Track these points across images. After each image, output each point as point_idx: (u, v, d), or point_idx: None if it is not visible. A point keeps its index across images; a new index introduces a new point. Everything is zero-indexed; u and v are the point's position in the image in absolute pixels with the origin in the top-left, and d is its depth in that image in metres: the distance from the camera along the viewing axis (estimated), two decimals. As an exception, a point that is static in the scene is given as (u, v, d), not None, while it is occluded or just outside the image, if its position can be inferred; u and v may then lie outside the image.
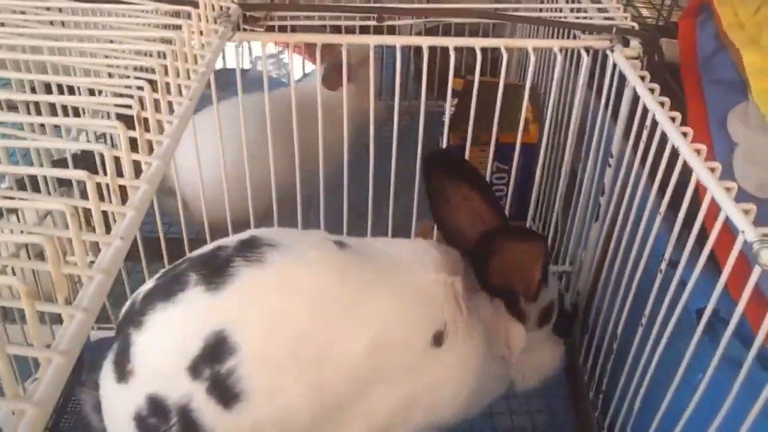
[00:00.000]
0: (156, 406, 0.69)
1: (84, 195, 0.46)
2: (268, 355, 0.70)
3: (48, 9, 0.70)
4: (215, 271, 0.71)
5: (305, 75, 1.74)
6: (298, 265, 0.74)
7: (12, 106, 0.83)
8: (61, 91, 0.69)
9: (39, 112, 0.82)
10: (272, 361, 0.70)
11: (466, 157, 1.02)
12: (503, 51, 0.90)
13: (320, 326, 0.72)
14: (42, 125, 0.83)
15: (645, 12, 1.73)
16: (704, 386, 0.68)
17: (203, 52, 0.71)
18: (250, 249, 0.73)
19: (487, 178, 1.03)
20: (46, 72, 0.77)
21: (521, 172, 1.12)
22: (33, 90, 0.85)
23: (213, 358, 0.68)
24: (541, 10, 1.16)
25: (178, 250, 0.94)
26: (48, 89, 0.79)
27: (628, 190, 0.88)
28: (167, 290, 0.71)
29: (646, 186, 0.84)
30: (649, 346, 0.80)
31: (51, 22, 0.72)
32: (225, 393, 0.68)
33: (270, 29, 0.91)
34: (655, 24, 1.54)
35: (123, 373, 0.70)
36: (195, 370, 0.68)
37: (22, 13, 0.66)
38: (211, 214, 1.06)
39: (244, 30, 0.88)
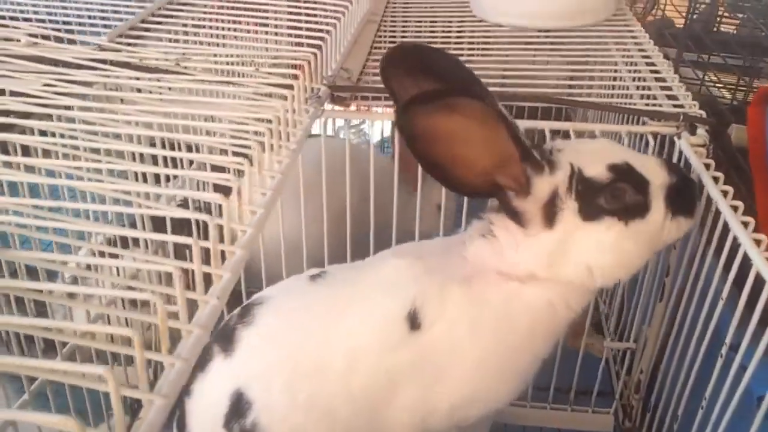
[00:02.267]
0: None
1: (177, 256, 0.53)
2: (275, 402, 0.77)
3: (164, 88, 0.81)
4: (227, 339, 0.80)
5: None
6: (275, 315, 0.81)
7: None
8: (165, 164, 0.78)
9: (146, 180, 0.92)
10: (279, 407, 0.77)
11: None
12: (572, 134, 0.95)
13: (303, 363, 0.78)
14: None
15: (726, 93, 1.74)
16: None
17: (295, 130, 0.80)
18: (245, 313, 0.82)
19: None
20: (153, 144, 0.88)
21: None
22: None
23: (238, 414, 0.77)
24: (612, 96, 1.21)
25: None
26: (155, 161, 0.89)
27: (692, 273, 0.90)
28: (201, 361, 0.82)
29: (710, 270, 0.85)
30: (709, 430, 0.81)
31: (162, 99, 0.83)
32: None
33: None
34: (729, 104, 1.55)
35: None
36: (227, 426, 0.78)
37: (146, 91, 0.77)
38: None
39: (332, 109, 0.97)
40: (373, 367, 0.77)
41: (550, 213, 0.75)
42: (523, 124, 0.96)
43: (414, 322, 0.76)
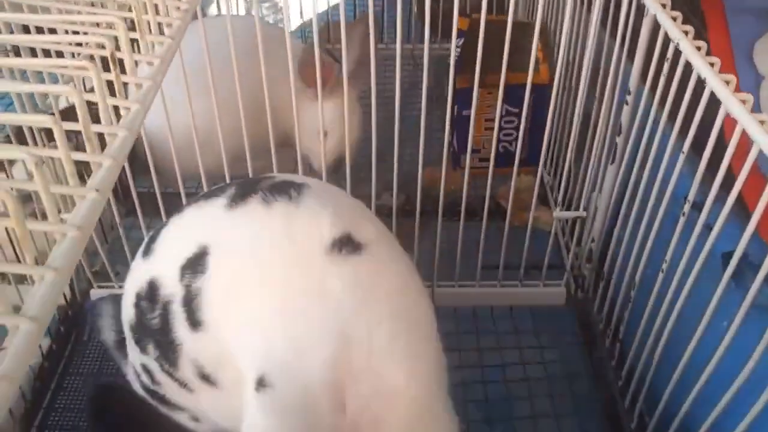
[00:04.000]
0: (152, 291, 0.69)
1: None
2: (224, 295, 0.64)
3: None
4: (245, 192, 0.67)
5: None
6: (306, 233, 0.63)
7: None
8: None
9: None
10: (224, 304, 0.64)
11: (474, 100, 0.97)
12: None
13: (275, 299, 0.63)
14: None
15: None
16: (731, 334, 0.64)
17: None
18: (284, 187, 0.66)
19: (497, 122, 0.97)
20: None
21: (532, 115, 1.07)
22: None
23: (193, 269, 0.65)
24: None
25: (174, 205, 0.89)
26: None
27: (647, 129, 0.82)
28: (209, 194, 0.71)
29: (667, 123, 0.78)
30: (670, 293, 0.76)
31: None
32: (192, 314, 0.65)
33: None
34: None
35: (149, 249, 0.72)
36: (182, 271, 0.66)
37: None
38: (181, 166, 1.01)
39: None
40: None
41: None
42: None
43: None
